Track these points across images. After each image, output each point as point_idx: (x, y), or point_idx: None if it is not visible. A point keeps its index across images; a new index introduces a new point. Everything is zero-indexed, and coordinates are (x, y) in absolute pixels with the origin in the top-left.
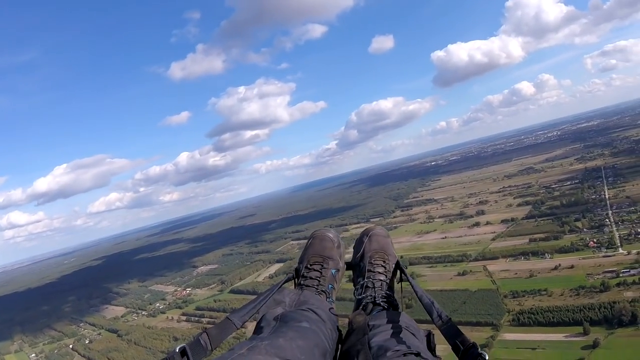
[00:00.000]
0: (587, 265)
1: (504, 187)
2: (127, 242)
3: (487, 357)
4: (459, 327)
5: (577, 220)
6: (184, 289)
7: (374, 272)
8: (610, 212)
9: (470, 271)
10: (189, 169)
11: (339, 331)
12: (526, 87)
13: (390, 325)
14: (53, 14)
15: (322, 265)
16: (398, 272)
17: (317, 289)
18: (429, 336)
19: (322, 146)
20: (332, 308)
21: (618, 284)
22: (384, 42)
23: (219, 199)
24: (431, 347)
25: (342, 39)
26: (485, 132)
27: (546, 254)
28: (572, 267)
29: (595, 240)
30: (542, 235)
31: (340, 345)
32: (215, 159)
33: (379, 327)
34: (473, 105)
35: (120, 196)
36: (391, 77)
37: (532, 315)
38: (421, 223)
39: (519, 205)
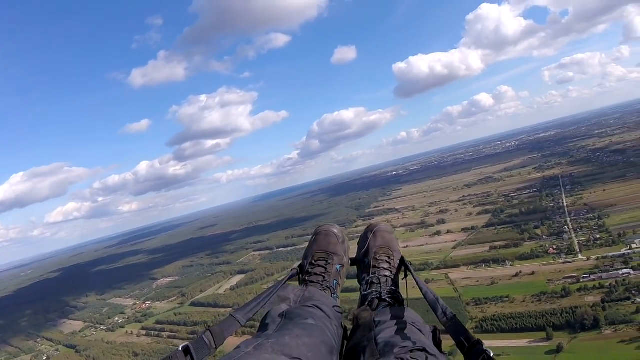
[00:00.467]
0: (547, 271)
1: (463, 196)
2: (85, 254)
3: (492, 354)
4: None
5: (536, 227)
6: (144, 302)
7: (379, 268)
8: (568, 219)
9: (432, 279)
10: (148, 179)
11: (344, 327)
12: (485, 98)
13: (396, 321)
14: (11, 16)
15: (326, 261)
16: (403, 268)
17: (322, 284)
18: (435, 332)
19: (284, 156)
20: (337, 304)
21: (579, 289)
22: (346, 53)
23: (179, 209)
24: (437, 343)
25: (305, 48)
26: (445, 142)
27: (507, 261)
28: (532, 273)
29: (554, 246)
30: (502, 243)
31: (345, 342)
32: (175, 168)
33: (385, 323)
34: (433, 116)
35: (78, 206)
36: (353, 87)
37: (495, 322)
38: None
39: (479, 213)
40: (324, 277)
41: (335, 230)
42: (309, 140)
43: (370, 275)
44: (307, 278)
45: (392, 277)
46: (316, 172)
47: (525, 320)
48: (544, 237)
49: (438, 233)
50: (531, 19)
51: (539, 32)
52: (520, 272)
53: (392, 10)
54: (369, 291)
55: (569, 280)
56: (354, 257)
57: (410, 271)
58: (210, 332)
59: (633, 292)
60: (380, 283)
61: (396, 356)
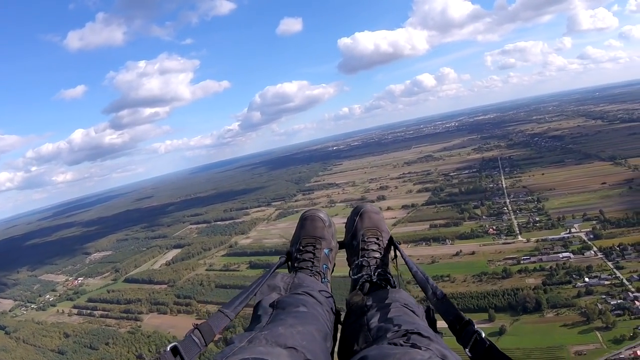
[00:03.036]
0: (487, 251)
1: (404, 173)
2: (18, 226)
3: (483, 335)
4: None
5: (476, 207)
6: (76, 279)
7: (368, 249)
8: (508, 200)
9: None
10: (83, 147)
11: (338, 312)
12: (427, 78)
13: (389, 304)
14: None
15: (314, 246)
16: (392, 248)
17: (311, 270)
18: (428, 312)
19: (224, 127)
20: (328, 289)
21: (519, 271)
22: (292, 25)
23: (115, 180)
24: (432, 323)
25: (251, 17)
26: (386, 119)
27: (447, 240)
28: (473, 253)
29: (494, 227)
30: (442, 222)
31: (339, 326)
32: (111, 137)
33: (377, 306)
34: (376, 93)
35: (10, 176)
36: (297, 60)
37: None
38: (323, 207)
39: (418, 191)
40: (312, 262)
41: (322, 215)
42: (251, 111)
43: (360, 258)
44: (296, 265)
45: (382, 258)
46: (257, 144)
47: (467, 300)
48: (484, 217)
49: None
50: (478, 4)
51: (485, 17)
52: (461, 251)
53: None
54: (359, 275)
55: (510, 262)
56: (342, 240)
57: (399, 251)
58: (198, 329)
59: (574, 275)
60: (369, 265)
61: (389, 341)
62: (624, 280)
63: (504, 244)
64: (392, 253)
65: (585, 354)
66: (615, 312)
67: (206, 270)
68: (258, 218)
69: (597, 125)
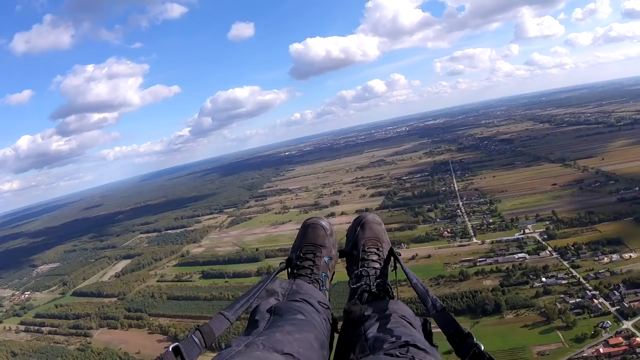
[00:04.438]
0: (443, 254)
1: (356, 178)
2: None
3: (482, 348)
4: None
5: (429, 210)
6: (22, 293)
7: (368, 260)
8: (460, 203)
9: None
10: (30, 154)
11: (334, 320)
12: (378, 84)
13: (386, 314)
14: None
15: (314, 254)
16: (392, 259)
17: (310, 277)
18: (425, 324)
19: (175, 133)
20: (326, 297)
21: (476, 273)
22: (244, 30)
23: (62, 188)
24: (428, 335)
25: (202, 21)
26: (337, 125)
27: (402, 244)
28: (429, 256)
29: (449, 230)
30: (397, 225)
31: (335, 335)
32: (59, 144)
33: (375, 317)
34: (327, 99)
35: None
36: (249, 65)
37: None
38: (276, 213)
39: (372, 195)
40: (312, 270)
41: (324, 223)
42: (201, 117)
43: (360, 268)
44: (295, 271)
45: (381, 268)
46: (208, 150)
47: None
48: (438, 220)
49: (332, 214)
50: (429, 12)
51: (435, 25)
52: (417, 255)
53: None
54: (358, 284)
55: (466, 264)
56: (343, 249)
57: (399, 262)
58: (199, 331)
59: (531, 276)
60: (369, 275)
61: (385, 352)
62: (581, 279)
63: (459, 246)
64: (391, 264)
65: (548, 354)
66: (575, 310)
67: (157, 281)
68: (210, 226)
69: (545, 129)
